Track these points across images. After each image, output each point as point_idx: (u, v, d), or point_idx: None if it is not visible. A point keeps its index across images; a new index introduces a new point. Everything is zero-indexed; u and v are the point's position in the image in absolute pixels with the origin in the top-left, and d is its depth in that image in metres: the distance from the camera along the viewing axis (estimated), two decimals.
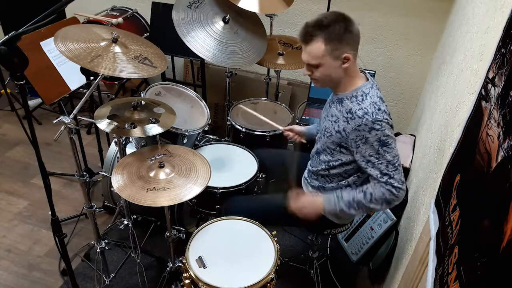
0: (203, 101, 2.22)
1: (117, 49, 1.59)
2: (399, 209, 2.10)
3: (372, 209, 1.53)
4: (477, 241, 0.86)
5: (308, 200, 1.64)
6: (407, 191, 2.14)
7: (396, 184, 1.45)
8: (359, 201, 1.51)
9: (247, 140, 2.29)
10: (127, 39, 1.69)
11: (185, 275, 1.51)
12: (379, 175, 1.46)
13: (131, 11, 3.09)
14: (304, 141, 1.98)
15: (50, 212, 1.60)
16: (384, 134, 1.43)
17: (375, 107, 1.45)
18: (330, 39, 1.45)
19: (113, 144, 2.27)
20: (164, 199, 1.50)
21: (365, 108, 1.46)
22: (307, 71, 1.56)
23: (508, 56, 0.96)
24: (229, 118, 2.37)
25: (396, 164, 1.46)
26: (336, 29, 1.43)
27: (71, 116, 1.58)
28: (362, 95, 1.49)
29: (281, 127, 2.01)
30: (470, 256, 0.86)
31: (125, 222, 2.03)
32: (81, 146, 2.53)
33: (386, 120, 1.44)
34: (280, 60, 2.45)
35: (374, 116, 1.43)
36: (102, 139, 2.69)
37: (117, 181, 1.56)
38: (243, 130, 2.29)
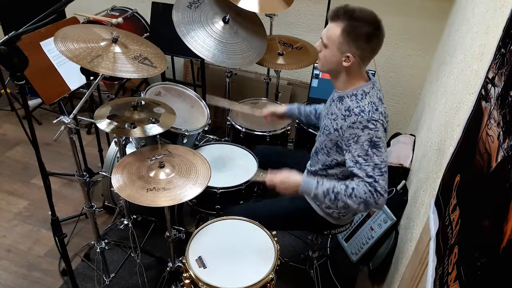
0: (203, 101, 2.22)
1: (117, 49, 1.59)
2: (399, 209, 2.10)
3: (347, 206, 1.45)
4: (477, 241, 0.86)
5: (287, 175, 1.58)
6: (407, 191, 2.14)
7: (378, 189, 1.40)
8: (338, 192, 1.45)
9: (247, 140, 2.29)
10: (127, 39, 1.69)
11: (185, 275, 1.51)
12: (364, 176, 1.42)
13: (131, 11, 3.09)
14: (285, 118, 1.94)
15: (50, 212, 1.60)
16: (376, 135, 1.42)
17: (373, 106, 1.45)
18: (346, 32, 1.43)
19: (113, 144, 2.27)
20: (164, 199, 1.50)
21: (362, 106, 1.45)
22: (319, 46, 1.55)
23: (508, 56, 0.96)
24: (229, 118, 2.37)
25: (383, 170, 1.42)
26: (358, 27, 1.41)
27: (71, 116, 1.58)
28: (362, 94, 1.49)
29: (259, 113, 2.01)
30: (470, 256, 0.86)
31: (125, 222, 2.03)
32: (81, 146, 2.53)
33: (381, 121, 1.43)
34: (280, 60, 2.45)
35: (370, 115, 1.42)
36: (102, 139, 2.69)
37: (117, 181, 1.56)
38: (243, 130, 2.29)
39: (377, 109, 1.45)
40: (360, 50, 1.45)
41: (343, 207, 1.48)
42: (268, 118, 2.00)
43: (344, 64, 1.48)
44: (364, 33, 1.41)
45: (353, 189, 1.43)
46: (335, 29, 1.45)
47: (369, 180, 1.41)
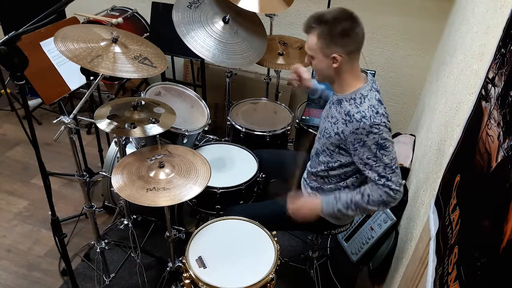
0: (203, 101, 2.22)
1: (117, 49, 1.59)
2: (399, 209, 2.10)
3: (370, 210, 1.54)
4: (477, 241, 0.86)
5: (306, 201, 1.65)
6: (407, 191, 2.14)
7: (393, 187, 1.46)
8: (356, 202, 1.52)
9: (247, 140, 2.29)
10: (127, 39, 1.69)
11: (185, 275, 1.51)
12: (376, 178, 1.47)
13: (131, 11, 3.09)
14: (304, 87, 1.91)
15: (50, 212, 1.60)
16: (382, 137, 1.43)
17: (373, 110, 1.45)
18: (322, 36, 1.45)
19: (113, 144, 2.27)
20: (164, 199, 1.50)
21: (363, 111, 1.45)
22: (306, 60, 1.57)
23: (508, 56, 0.96)
24: (229, 118, 2.37)
25: (394, 167, 1.46)
26: (331, 28, 1.43)
27: (71, 116, 1.58)
28: (360, 98, 1.49)
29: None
30: (470, 256, 0.86)
31: (125, 222, 2.03)
32: (81, 146, 2.53)
33: (384, 124, 1.44)
34: (280, 60, 2.45)
35: (372, 120, 1.43)
36: (102, 139, 2.69)
37: (117, 181, 1.56)
38: (243, 130, 2.29)
39: (377, 112, 1.45)
40: (342, 47, 1.46)
41: (365, 211, 1.58)
42: (293, 74, 1.91)
43: (334, 65, 1.49)
44: (339, 31, 1.43)
45: (368, 195, 1.50)
46: (312, 39, 1.48)
47: (382, 180, 1.46)
